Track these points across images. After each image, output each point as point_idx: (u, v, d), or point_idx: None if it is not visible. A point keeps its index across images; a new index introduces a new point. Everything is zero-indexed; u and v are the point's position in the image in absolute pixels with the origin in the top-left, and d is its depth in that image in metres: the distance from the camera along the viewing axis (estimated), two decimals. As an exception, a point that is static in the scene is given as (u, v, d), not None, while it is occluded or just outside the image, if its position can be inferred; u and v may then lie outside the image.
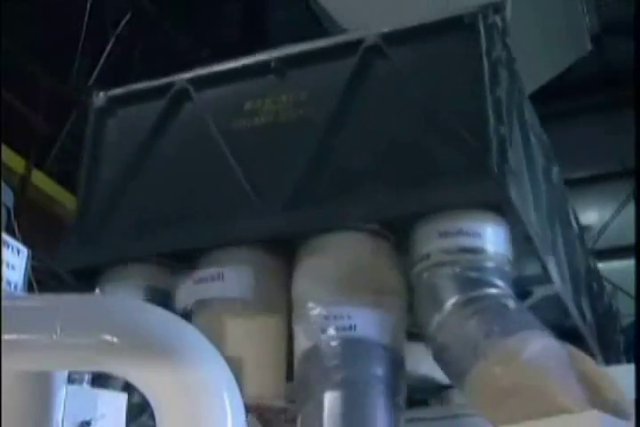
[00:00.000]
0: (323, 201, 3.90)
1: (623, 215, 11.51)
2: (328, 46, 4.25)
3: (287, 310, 3.83)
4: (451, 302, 3.47)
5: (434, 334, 3.47)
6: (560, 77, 8.34)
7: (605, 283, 7.44)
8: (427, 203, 3.68)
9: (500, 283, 3.55)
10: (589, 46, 8.15)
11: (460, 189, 3.67)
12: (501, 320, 3.36)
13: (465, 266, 3.54)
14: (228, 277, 3.85)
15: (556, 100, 10.99)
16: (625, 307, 7.24)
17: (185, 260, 4.06)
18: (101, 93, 4.65)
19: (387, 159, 3.88)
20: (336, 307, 3.60)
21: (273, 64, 4.27)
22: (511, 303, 3.47)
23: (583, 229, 6.30)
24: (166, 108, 4.41)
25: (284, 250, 3.95)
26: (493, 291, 3.51)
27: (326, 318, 3.58)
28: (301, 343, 3.64)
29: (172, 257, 4.11)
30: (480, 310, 3.39)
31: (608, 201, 11.88)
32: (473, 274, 3.53)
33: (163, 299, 3.84)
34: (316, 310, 3.62)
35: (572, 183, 11.38)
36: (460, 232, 3.61)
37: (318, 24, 7.72)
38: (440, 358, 3.48)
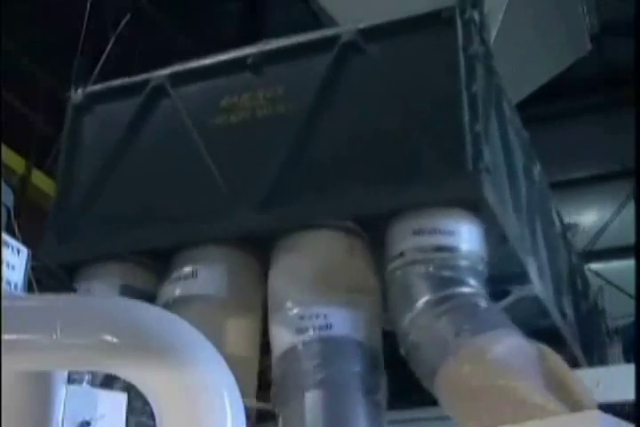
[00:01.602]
0: (297, 199, 3.90)
1: (623, 215, 11.50)
2: (305, 42, 4.24)
3: (262, 308, 3.84)
4: (423, 300, 3.46)
5: (406, 332, 3.47)
6: (560, 77, 8.32)
7: (602, 283, 7.44)
8: (401, 200, 3.68)
9: (472, 282, 3.54)
10: (589, 46, 8.14)
11: (435, 186, 3.65)
12: (472, 319, 3.36)
13: (438, 264, 3.54)
14: (202, 275, 3.84)
15: (556, 100, 10.99)
16: (625, 307, 7.23)
17: (160, 258, 4.05)
18: (79, 90, 4.63)
19: (362, 156, 3.87)
20: (312, 306, 3.60)
21: (250, 60, 4.25)
22: (483, 303, 3.46)
23: (568, 227, 6.26)
24: (143, 104, 4.40)
25: (258, 248, 3.94)
26: (466, 290, 3.50)
27: (302, 317, 3.58)
28: (279, 344, 3.64)
29: (148, 255, 4.10)
30: (451, 308, 3.39)
31: (608, 201, 11.87)
32: (446, 273, 3.52)
33: (137, 297, 3.80)
34: (292, 311, 3.62)
35: (571, 183, 11.44)
36: (434, 230, 3.59)
37: (318, 24, 7.71)
38: (411, 356, 3.47)
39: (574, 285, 5.78)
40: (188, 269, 3.87)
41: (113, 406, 3.25)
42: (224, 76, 4.35)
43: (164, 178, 4.22)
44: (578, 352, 4.99)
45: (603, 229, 11.85)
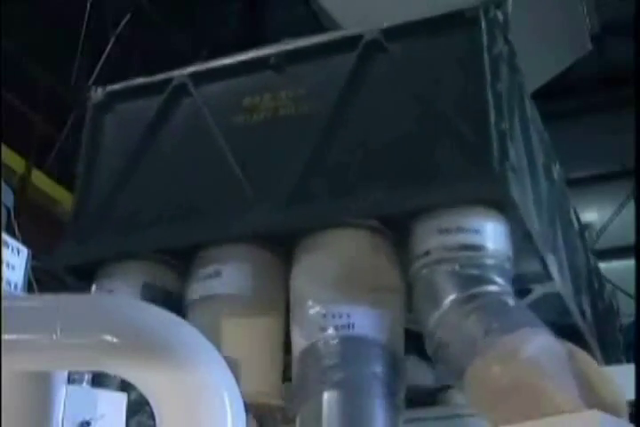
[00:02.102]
0: (321, 197, 3.88)
1: (623, 215, 11.51)
2: (327, 42, 4.21)
3: (285, 308, 3.82)
4: (450, 299, 3.45)
5: (433, 332, 3.46)
6: (560, 77, 8.33)
7: (605, 282, 7.44)
8: (426, 199, 3.65)
9: (499, 280, 3.54)
10: (589, 46, 8.15)
11: (461, 185, 3.64)
12: (500, 318, 3.35)
13: (464, 263, 3.52)
14: (226, 275, 3.83)
15: (556, 100, 11.00)
16: (625, 307, 7.24)
17: (182, 257, 4.05)
18: (99, 89, 4.64)
19: (386, 155, 3.85)
20: (334, 305, 3.58)
21: (272, 60, 4.24)
22: (510, 301, 3.45)
23: (584, 227, 6.28)
24: (164, 103, 4.37)
25: (282, 247, 3.93)
26: (493, 288, 3.50)
27: (324, 316, 3.57)
28: (300, 342, 3.63)
29: (170, 254, 4.10)
30: (479, 307, 3.38)
31: (608, 201, 11.88)
32: (472, 271, 3.51)
33: (160, 296, 3.83)
34: (314, 309, 3.60)
35: (571, 183, 11.41)
36: (459, 229, 3.59)
37: (318, 24, 7.72)
38: (439, 355, 3.47)
39: (591, 284, 5.79)
40: (211, 268, 3.87)
41: (113, 406, 3.25)
42: (246, 76, 4.34)
43: (186, 177, 4.21)
44: (596, 351, 5.00)
45: (603, 229, 11.87)
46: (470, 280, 3.50)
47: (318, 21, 7.69)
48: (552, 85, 8.21)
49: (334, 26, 7.21)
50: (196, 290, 3.89)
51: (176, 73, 4.43)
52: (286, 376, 3.78)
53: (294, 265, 3.83)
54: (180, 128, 4.37)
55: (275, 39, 4.55)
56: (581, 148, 11.36)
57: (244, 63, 4.36)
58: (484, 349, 3.20)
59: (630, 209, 11.15)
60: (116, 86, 4.66)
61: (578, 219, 6.00)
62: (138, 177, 4.33)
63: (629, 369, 3.22)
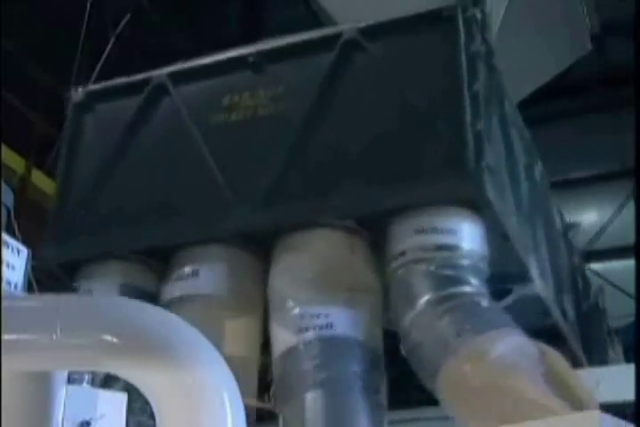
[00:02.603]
0: (299, 197, 3.89)
1: (623, 215, 11.49)
2: (306, 41, 4.23)
3: (263, 307, 3.84)
4: (424, 299, 3.46)
5: (407, 332, 3.47)
6: (560, 77, 8.32)
7: (602, 284, 7.43)
8: (402, 199, 3.68)
9: (474, 281, 3.54)
10: (589, 46, 8.14)
11: (436, 185, 3.64)
12: (473, 319, 3.35)
13: (440, 263, 3.53)
14: (203, 275, 3.83)
15: (556, 100, 10.98)
16: (625, 307, 7.22)
17: (160, 257, 4.05)
18: (79, 89, 4.63)
19: (363, 155, 3.86)
20: (313, 305, 3.59)
21: (251, 59, 4.23)
22: (484, 302, 3.46)
23: (569, 226, 6.26)
24: (144, 103, 4.39)
25: (260, 247, 3.94)
26: (467, 289, 3.50)
27: (303, 317, 3.58)
28: (280, 343, 3.63)
29: (148, 254, 4.09)
30: (452, 308, 3.38)
31: (608, 201, 11.86)
32: (447, 272, 3.52)
33: (138, 296, 3.79)
34: (293, 310, 3.61)
35: (571, 183, 11.44)
36: (435, 229, 3.59)
37: (318, 24, 7.71)
38: (412, 355, 3.47)
39: (575, 284, 5.78)
40: (188, 268, 3.86)
41: (113, 406, 3.25)
42: (225, 75, 4.34)
43: (165, 177, 4.22)
44: (579, 352, 4.99)
45: (603, 229, 11.85)
46: (445, 281, 3.51)
47: (318, 21, 7.68)
48: (552, 85, 8.20)
49: (334, 25, 7.21)
50: (174, 290, 3.88)
51: (155, 73, 4.43)
52: (265, 377, 3.79)
53: (272, 265, 3.84)
54: (159, 128, 4.37)
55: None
56: (581, 148, 11.35)
57: (222, 62, 4.37)
58: (457, 349, 3.21)
59: (630, 209, 11.13)
60: (96, 86, 4.67)
61: (562, 218, 5.98)
62: (117, 177, 4.32)
63: (629, 369, 3.22)
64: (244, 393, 3.70)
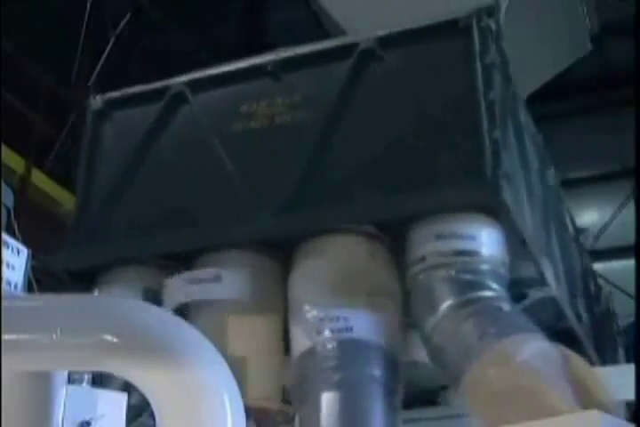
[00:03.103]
0: (318, 204, 3.92)
1: (623, 215, 11.50)
2: (323, 49, 4.27)
3: (284, 312, 3.85)
4: (446, 304, 3.48)
5: (429, 336, 3.48)
6: (560, 77, 8.33)
7: (603, 284, 7.44)
8: (422, 206, 3.70)
9: (494, 285, 3.56)
10: (589, 46, 8.15)
11: (455, 192, 3.68)
12: (495, 323, 3.37)
13: (460, 269, 3.55)
14: (226, 279, 3.85)
15: (556, 100, 10.99)
16: (625, 307, 7.23)
17: (182, 262, 4.07)
18: (98, 97, 4.67)
19: (382, 162, 3.89)
20: (332, 309, 3.61)
21: (269, 67, 4.28)
22: (505, 306, 3.48)
23: (579, 230, 6.31)
24: (163, 111, 4.42)
25: (280, 252, 3.97)
26: (488, 293, 3.52)
27: (322, 319, 3.59)
28: (298, 345, 3.65)
29: (170, 259, 4.12)
30: (474, 312, 3.40)
31: (608, 201, 11.88)
32: (468, 277, 3.54)
33: (158, 302, 3.85)
34: (312, 313, 3.63)
35: (571, 183, 11.42)
36: (455, 235, 3.62)
37: (318, 24, 7.72)
38: (436, 359, 3.49)
39: (587, 287, 5.82)
40: (210, 272, 3.89)
41: (113, 406, 3.25)
42: (243, 83, 4.38)
43: (185, 183, 4.24)
44: (592, 354, 5.02)
45: (603, 229, 11.86)
46: (466, 286, 3.52)
47: (318, 21, 7.69)
48: (552, 85, 8.21)
49: (334, 26, 7.22)
50: (194, 293, 3.90)
51: (173, 81, 4.47)
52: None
53: (292, 270, 3.86)
54: (178, 135, 4.40)
55: (275, 39, 4.58)
56: (581, 148, 11.36)
57: (240, 70, 4.40)
58: (480, 353, 3.22)
59: (630, 209, 11.15)
60: (115, 94, 4.70)
61: (573, 223, 6.02)
62: (137, 184, 4.36)
63: (629, 369, 3.22)
64: (269, 398, 3.77)
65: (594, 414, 2.77)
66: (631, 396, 2.82)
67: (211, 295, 3.86)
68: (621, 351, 6.61)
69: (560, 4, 7.50)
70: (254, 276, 3.89)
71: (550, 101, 10.47)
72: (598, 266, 9.50)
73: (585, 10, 7.78)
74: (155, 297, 3.93)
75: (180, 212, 4.19)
